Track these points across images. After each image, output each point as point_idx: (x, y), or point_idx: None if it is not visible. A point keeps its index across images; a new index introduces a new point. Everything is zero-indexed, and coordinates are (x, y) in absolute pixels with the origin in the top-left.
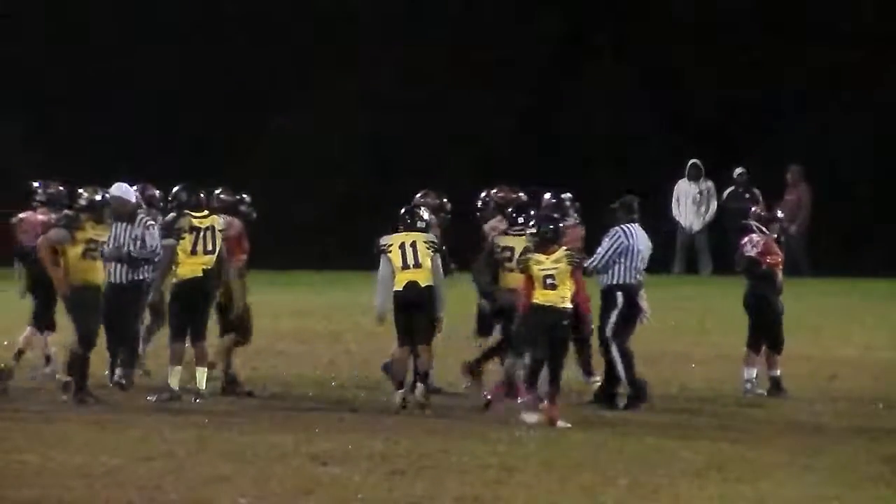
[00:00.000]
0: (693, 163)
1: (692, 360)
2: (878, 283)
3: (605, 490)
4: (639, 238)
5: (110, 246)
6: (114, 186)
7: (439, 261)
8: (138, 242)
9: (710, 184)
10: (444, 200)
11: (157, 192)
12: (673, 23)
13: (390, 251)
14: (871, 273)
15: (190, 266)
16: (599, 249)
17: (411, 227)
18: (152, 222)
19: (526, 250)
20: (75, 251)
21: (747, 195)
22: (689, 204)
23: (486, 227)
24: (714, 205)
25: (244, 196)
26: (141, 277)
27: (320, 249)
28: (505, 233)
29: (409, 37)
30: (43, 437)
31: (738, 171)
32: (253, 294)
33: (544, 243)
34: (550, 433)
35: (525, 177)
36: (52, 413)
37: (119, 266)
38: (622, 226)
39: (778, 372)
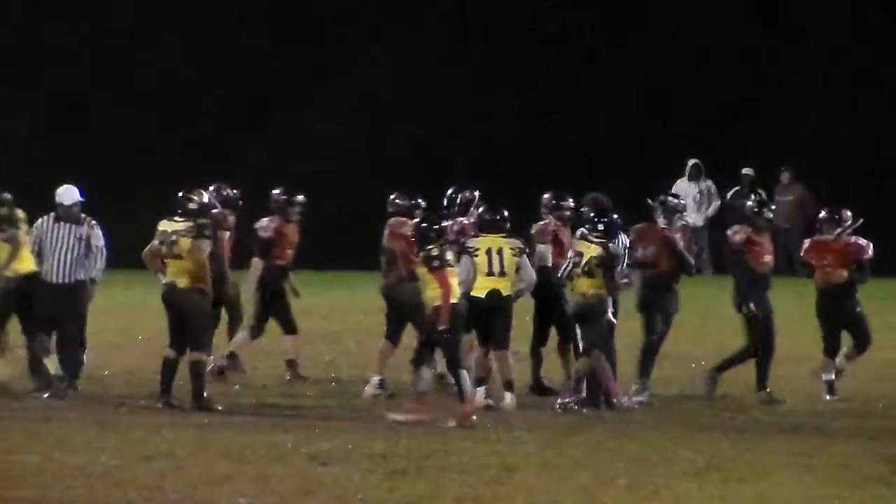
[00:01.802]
0: (694, 163)
1: (692, 360)
2: (878, 284)
3: (605, 490)
4: None
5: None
6: (62, 188)
7: (526, 261)
8: (83, 242)
9: (709, 183)
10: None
11: (233, 191)
12: (672, 23)
13: (477, 254)
14: (871, 273)
15: (26, 261)
16: (570, 253)
17: (499, 230)
18: (95, 223)
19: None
20: (203, 257)
21: (752, 195)
22: (691, 203)
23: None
24: (716, 202)
25: (419, 200)
26: (83, 277)
27: (320, 249)
28: (583, 238)
29: (409, 37)
30: (43, 437)
31: (745, 170)
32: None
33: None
34: (550, 433)
35: (525, 177)
36: (52, 413)
37: (61, 266)
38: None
39: (833, 376)
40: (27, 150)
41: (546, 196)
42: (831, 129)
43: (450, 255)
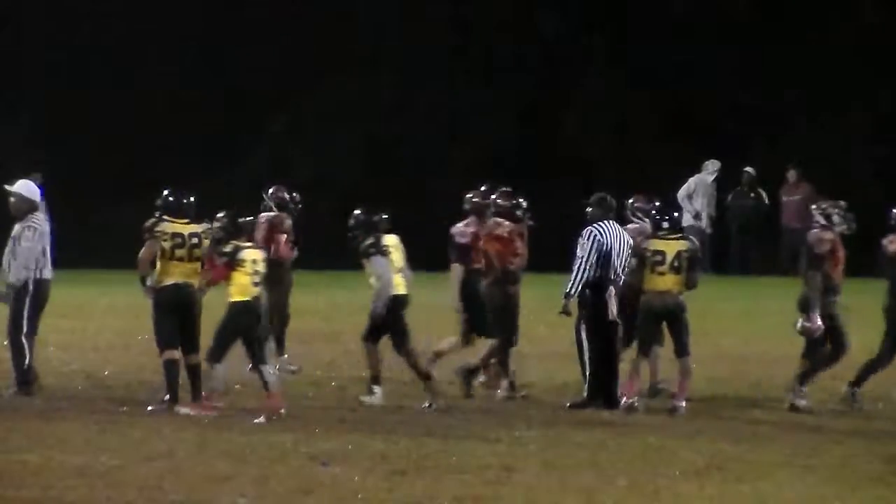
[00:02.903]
0: (718, 165)
1: (692, 360)
2: (878, 283)
3: (605, 490)
4: (613, 235)
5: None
6: (19, 183)
7: None
8: (15, 242)
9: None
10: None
11: (292, 194)
12: (672, 23)
13: (392, 252)
14: (871, 273)
15: None
16: (580, 253)
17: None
18: (31, 224)
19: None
20: None
21: (752, 195)
22: (705, 205)
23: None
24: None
25: (521, 200)
26: (27, 276)
27: (320, 250)
28: (655, 236)
29: (409, 37)
30: (43, 437)
31: (747, 169)
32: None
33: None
34: (550, 433)
35: (525, 176)
36: (52, 413)
37: (6, 265)
38: (596, 224)
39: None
40: (27, 150)
41: (633, 200)
42: (831, 129)
43: (244, 256)
